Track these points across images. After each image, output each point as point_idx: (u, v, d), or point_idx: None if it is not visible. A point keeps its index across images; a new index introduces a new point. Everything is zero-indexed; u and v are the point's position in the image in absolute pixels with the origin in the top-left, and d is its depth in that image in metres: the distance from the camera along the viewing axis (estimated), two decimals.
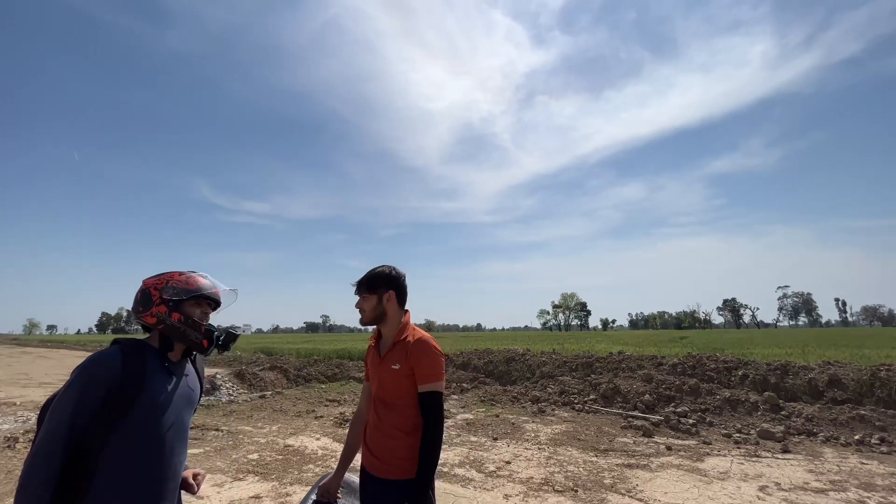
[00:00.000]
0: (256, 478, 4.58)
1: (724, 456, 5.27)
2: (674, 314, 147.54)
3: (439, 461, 5.14)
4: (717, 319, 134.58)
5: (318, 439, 6.20)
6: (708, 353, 10.63)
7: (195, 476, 1.76)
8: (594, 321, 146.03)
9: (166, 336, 1.57)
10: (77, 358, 25.38)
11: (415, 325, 1.93)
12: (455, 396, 9.78)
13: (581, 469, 4.84)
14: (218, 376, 11.74)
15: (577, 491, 4.18)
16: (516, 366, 11.58)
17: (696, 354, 10.22)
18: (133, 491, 1.40)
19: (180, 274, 1.64)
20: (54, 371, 17.01)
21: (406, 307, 1.95)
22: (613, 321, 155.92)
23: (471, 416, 7.72)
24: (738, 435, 6.08)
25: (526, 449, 5.68)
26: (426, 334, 1.86)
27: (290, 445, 5.85)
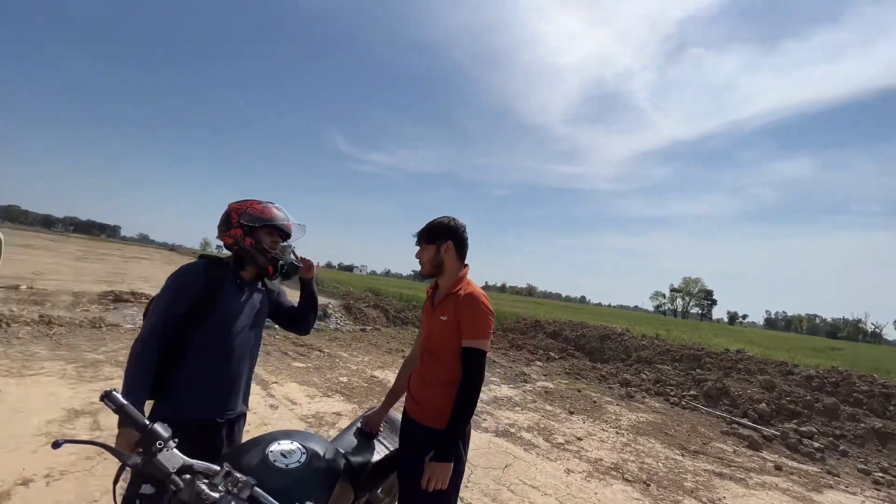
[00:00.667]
0: (342, 398, 5.16)
1: (853, 494, 4.35)
2: (829, 320, 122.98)
3: (508, 421, 5.12)
4: (892, 335, 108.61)
5: None
6: (863, 372, 8.66)
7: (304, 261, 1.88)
8: (719, 313, 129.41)
9: (239, 257, 1.77)
10: None
11: (471, 280, 1.87)
12: (539, 363, 9.65)
13: (660, 464, 4.45)
14: (330, 306, 13.31)
15: (649, 485, 3.87)
16: (611, 344, 10.90)
17: (844, 370, 8.41)
18: (205, 388, 1.64)
19: (258, 203, 1.81)
20: None
21: (466, 262, 1.89)
22: (744, 316, 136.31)
23: (551, 385, 7.57)
24: (880, 474, 4.94)
25: (602, 430, 5.40)
26: (479, 290, 1.80)
27: (375, 376, 6.44)
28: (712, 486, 4.06)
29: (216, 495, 1.05)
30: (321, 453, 1.45)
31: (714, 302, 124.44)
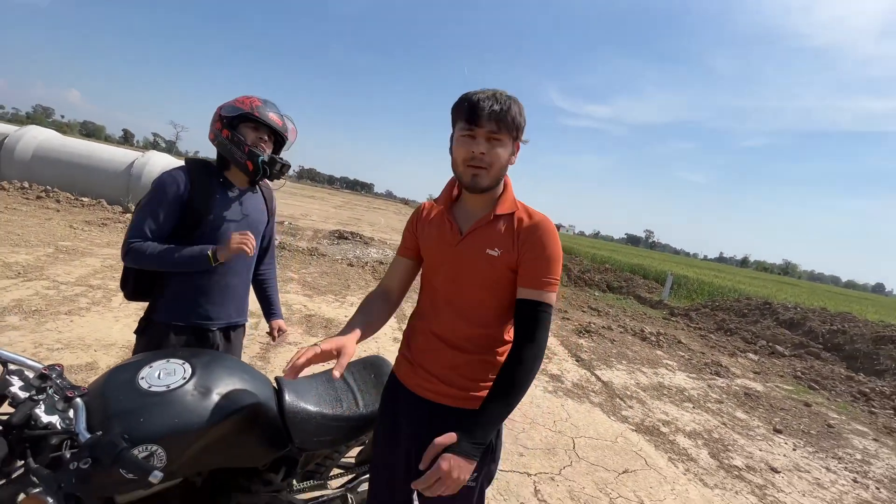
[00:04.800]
0: None
1: None
2: None
3: (664, 416, 4.00)
4: None
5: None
6: None
7: (280, 329, 1.92)
8: None
9: (221, 155, 1.61)
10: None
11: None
12: (752, 356, 7.27)
13: None
14: None
15: None
16: (892, 351, 7.28)
17: None
18: (193, 297, 1.58)
19: (248, 97, 1.59)
20: None
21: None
22: None
23: (759, 388, 5.57)
24: None
25: (825, 468, 3.61)
26: (546, 216, 1.15)
27: None
28: None
29: (22, 395, 0.90)
30: (220, 381, 1.15)
31: None
